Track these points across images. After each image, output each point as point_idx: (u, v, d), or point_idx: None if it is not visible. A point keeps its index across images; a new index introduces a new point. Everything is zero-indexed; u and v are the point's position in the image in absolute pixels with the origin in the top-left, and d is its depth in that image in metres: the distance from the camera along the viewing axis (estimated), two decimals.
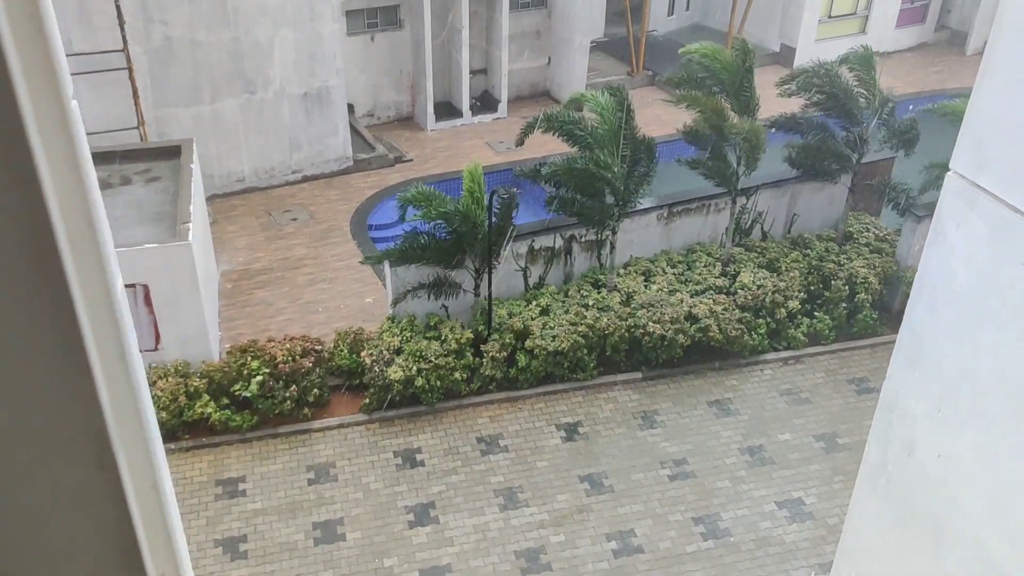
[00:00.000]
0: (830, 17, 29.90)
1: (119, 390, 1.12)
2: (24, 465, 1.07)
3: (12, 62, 0.92)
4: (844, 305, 17.46)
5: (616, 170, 15.66)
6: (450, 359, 15.37)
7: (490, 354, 15.57)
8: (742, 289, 17.10)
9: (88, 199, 1.05)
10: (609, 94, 16.10)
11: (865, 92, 17.39)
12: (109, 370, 1.09)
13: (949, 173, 2.65)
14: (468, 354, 15.62)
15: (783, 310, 17.02)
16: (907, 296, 2.97)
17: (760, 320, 16.95)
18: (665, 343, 16.11)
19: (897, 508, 3.06)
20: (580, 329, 15.93)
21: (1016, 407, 2.45)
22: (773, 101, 18.35)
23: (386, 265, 16.07)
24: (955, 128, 2.72)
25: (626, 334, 16.04)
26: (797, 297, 17.19)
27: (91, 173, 1.06)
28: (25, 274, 0.98)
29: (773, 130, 18.11)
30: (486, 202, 14.93)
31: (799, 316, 17.31)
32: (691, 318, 16.40)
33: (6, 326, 0.99)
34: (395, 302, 16.09)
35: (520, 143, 16.52)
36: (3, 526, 1.10)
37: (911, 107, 18.85)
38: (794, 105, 18.60)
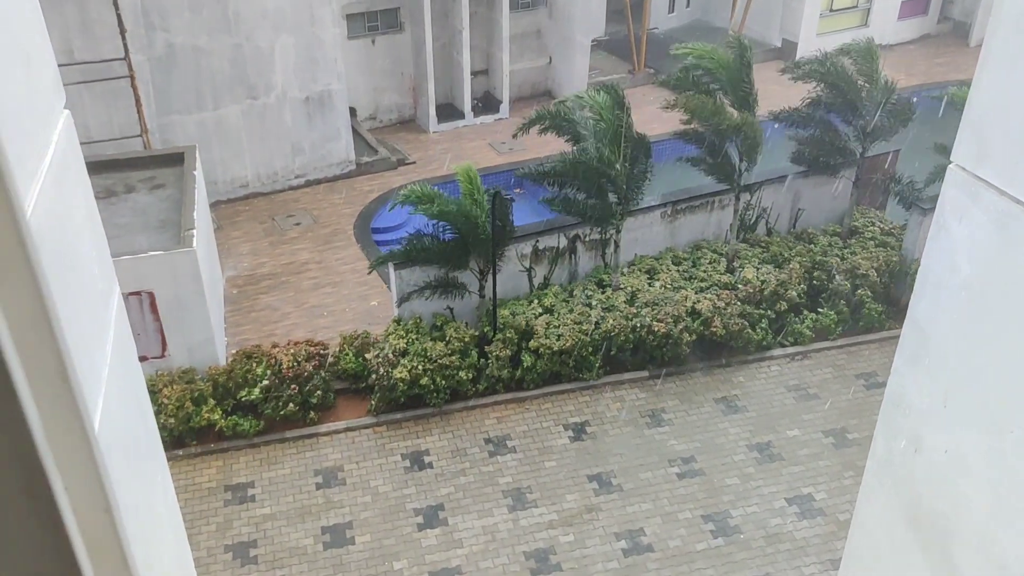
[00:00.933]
0: (831, 11, 29.82)
1: (59, 413, 1.07)
2: None
3: None
4: (850, 299, 17.40)
5: (618, 167, 15.64)
6: (455, 358, 15.37)
7: (494, 354, 15.56)
8: (745, 284, 17.08)
9: (28, 260, 1.00)
10: (605, 93, 16.07)
11: (868, 84, 17.33)
12: (44, 392, 1.04)
13: (950, 166, 2.63)
14: (473, 354, 15.62)
15: (783, 302, 16.99)
16: (912, 289, 2.95)
17: (761, 312, 16.90)
18: (670, 341, 16.08)
19: (904, 504, 3.04)
20: (584, 328, 15.91)
21: (1022, 402, 2.42)
22: (776, 95, 18.31)
23: (391, 268, 16.08)
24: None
25: (631, 334, 16.01)
26: (797, 288, 17.14)
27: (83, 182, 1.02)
28: None
29: (776, 124, 18.06)
30: (487, 202, 14.92)
31: (803, 310, 17.27)
32: (694, 313, 16.37)
33: None
34: (400, 302, 16.09)
35: (515, 136, 16.54)
36: None
37: (915, 99, 18.76)
38: (795, 101, 18.54)
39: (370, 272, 16.84)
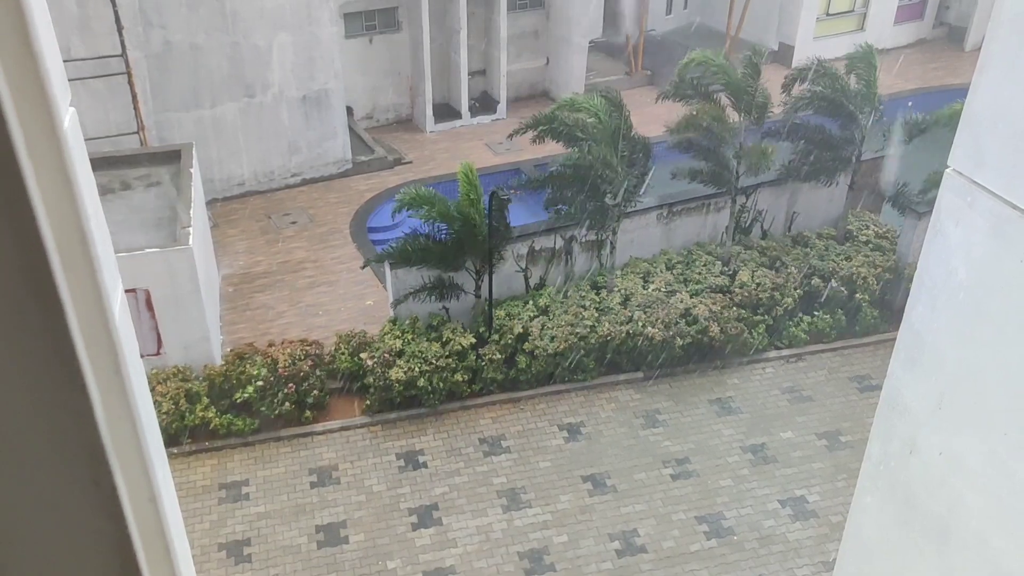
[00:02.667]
0: (828, 15, 29.90)
1: (115, 405, 1.11)
2: (20, 484, 1.06)
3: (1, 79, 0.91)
4: (844, 303, 17.45)
5: (619, 169, 15.66)
6: (451, 360, 15.38)
7: (488, 356, 15.57)
8: (740, 287, 17.11)
9: (81, 213, 1.04)
10: (602, 96, 16.11)
11: (865, 90, 17.39)
12: (104, 386, 1.08)
13: (948, 171, 2.65)
14: (470, 356, 15.63)
15: (780, 308, 17.03)
16: (908, 293, 2.97)
17: (759, 317, 16.95)
18: (664, 345, 16.11)
19: (899, 506, 3.06)
20: (578, 331, 15.91)
21: (1017, 405, 2.45)
22: (773, 99, 18.32)
23: (387, 267, 16.08)
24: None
25: (627, 339, 16.00)
26: (794, 294, 17.19)
27: (88, 185, 1.05)
28: (16, 289, 0.97)
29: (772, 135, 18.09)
30: (484, 203, 14.94)
31: (799, 314, 17.32)
32: (688, 317, 16.39)
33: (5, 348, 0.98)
34: (396, 303, 16.10)
35: (511, 137, 16.61)
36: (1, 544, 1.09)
37: (910, 103, 18.83)
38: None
39: (364, 267, 16.80)
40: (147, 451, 1.20)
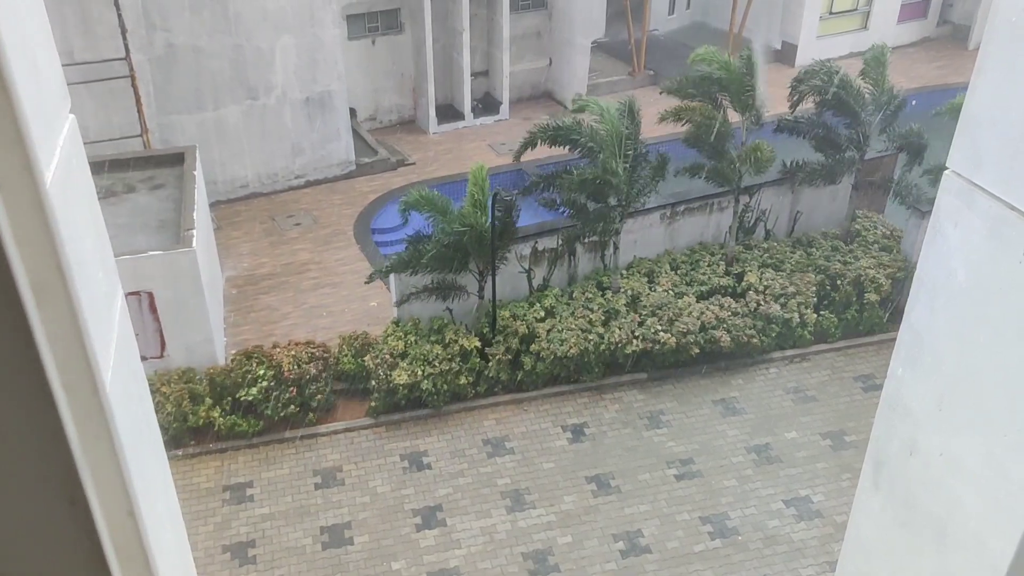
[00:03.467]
0: (831, 13, 29.86)
1: (91, 424, 1.11)
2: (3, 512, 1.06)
3: None
4: (852, 303, 17.40)
5: (621, 174, 15.65)
6: (455, 364, 15.37)
7: (496, 357, 15.56)
8: (751, 291, 17.00)
9: (54, 236, 1.03)
10: (616, 105, 16.13)
11: (872, 89, 17.37)
12: (80, 406, 1.07)
13: (947, 172, 2.65)
14: (474, 360, 15.62)
15: (796, 315, 16.91)
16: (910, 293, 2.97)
17: (773, 326, 16.86)
18: (677, 351, 16.09)
19: (900, 507, 3.06)
20: (591, 337, 15.88)
21: (1016, 406, 2.45)
22: (776, 98, 18.33)
23: (385, 264, 16.07)
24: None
25: (640, 346, 15.95)
26: (811, 304, 17.10)
27: (71, 200, 1.04)
28: None
29: (778, 132, 18.08)
30: (488, 205, 14.95)
31: (812, 318, 17.24)
32: (701, 326, 16.31)
33: None
34: (399, 303, 16.10)
35: (516, 159, 16.56)
36: None
37: (914, 102, 18.79)
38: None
39: (368, 282, 16.67)
40: (126, 466, 1.20)
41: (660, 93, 17.78)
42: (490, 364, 15.62)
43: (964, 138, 2.58)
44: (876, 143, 17.88)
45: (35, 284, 0.99)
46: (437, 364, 15.26)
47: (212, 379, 14.86)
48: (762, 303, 16.79)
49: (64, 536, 1.12)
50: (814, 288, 17.23)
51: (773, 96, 18.20)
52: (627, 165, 15.84)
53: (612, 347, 15.92)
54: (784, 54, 29.09)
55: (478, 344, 15.66)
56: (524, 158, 16.55)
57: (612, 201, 16.25)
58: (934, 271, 2.77)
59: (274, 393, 14.78)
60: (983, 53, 2.52)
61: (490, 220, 14.99)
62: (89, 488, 1.09)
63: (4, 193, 0.97)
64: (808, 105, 18.13)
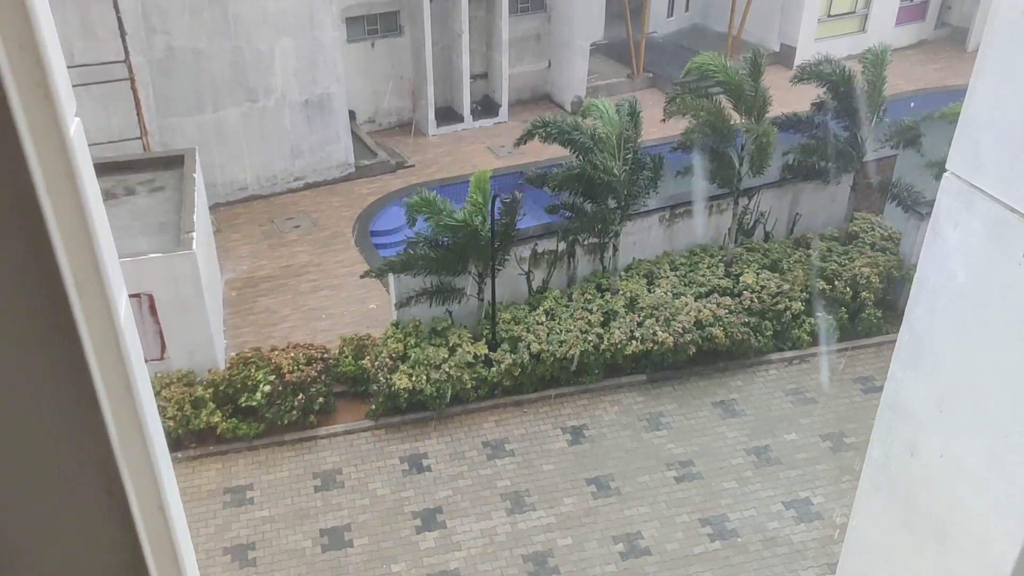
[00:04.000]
0: (829, 16, 29.90)
1: (125, 418, 1.13)
2: (36, 495, 1.08)
3: (10, 90, 0.93)
4: (848, 305, 17.43)
5: (619, 174, 15.68)
6: (463, 372, 15.33)
7: (503, 364, 15.54)
8: (746, 291, 17.06)
9: (91, 228, 1.06)
10: (617, 106, 16.16)
11: (870, 89, 17.40)
12: (116, 399, 1.10)
13: (946, 174, 2.66)
14: (479, 367, 15.61)
15: (788, 312, 16.98)
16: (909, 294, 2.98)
17: (767, 323, 16.92)
18: (675, 350, 16.11)
19: (901, 508, 3.07)
20: (590, 339, 15.90)
21: (1017, 407, 2.46)
22: (776, 100, 18.33)
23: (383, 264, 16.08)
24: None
25: (639, 346, 15.97)
26: (800, 298, 17.17)
27: (94, 197, 1.07)
28: (31, 307, 0.99)
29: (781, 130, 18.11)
30: (489, 208, 14.96)
31: (803, 316, 17.30)
32: (697, 323, 16.36)
33: (14, 362, 1.00)
34: (398, 306, 16.10)
35: (517, 145, 16.61)
36: (17, 552, 1.11)
37: (912, 104, 18.82)
38: (794, 105, 18.59)
39: (363, 277, 16.75)
40: (156, 460, 1.23)
41: (667, 102, 17.80)
42: (492, 370, 15.60)
43: (963, 140, 2.59)
44: (872, 143, 17.89)
45: (79, 283, 1.02)
46: (447, 370, 15.23)
47: (216, 386, 14.85)
48: (755, 301, 16.83)
49: (102, 527, 1.15)
50: (802, 283, 17.26)
51: (773, 97, 18.21)
52: (627, 167, 15.86)
53: (611, 348, 15.94)
54: (783, 56, 29.12)
55: (486, 351, 15.66)
56: (524, 161, 16.58)
57: (611, 203, 16.27)
58: (934, 273, 2.78)
59: (277, 401, 14.77)
60: (982, 55, 2.53)
61: (490, 223, 14.99)
62: (127, 481, 1.12)
63: (53, 198, 0.98)
64: (803, 107, 18.20)
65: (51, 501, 1.10)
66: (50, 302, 1.00)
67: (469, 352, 15.49)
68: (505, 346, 15.77)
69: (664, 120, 17.16)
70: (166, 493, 1.25)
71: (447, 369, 15.22)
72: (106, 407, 1.07)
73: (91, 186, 1.66)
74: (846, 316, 17.40)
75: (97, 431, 1.08)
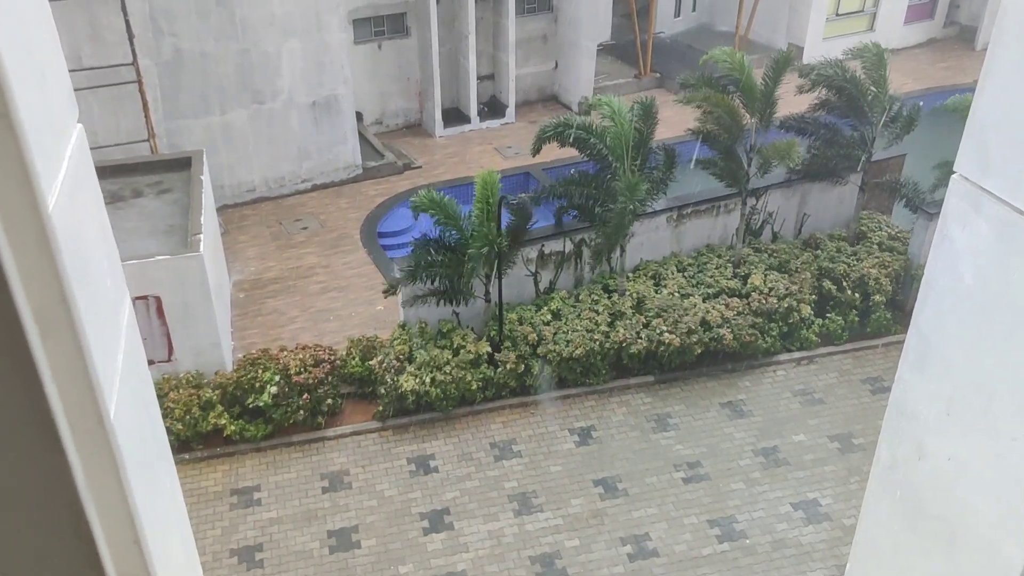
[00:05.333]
0: (837, 15, 29.81)
1: (97, 457, 1.09)
2: (1, 538, 1.04)
3: None
4: (856, 305, 17.37)
5: (631, 178, 15.64)
6: (466, 372, 15.34)
7: (507, 365, 15.54)
8: (754, 292, 17.00)
9: (60, 271, 1.00)
10: (639, 106, 16.13)
11: (875, 89, 17.33)
12: (85, 441, 1.05)
13: (954, 176, 2.64)
14: (484, 368, 15.61)
15: (796, 314, 16.92)
16: (918, 295, 2.96)
17: (774, 324, 16.87)
18: (681, 351, 16.08)
19: (908, 511, 3.05)
20: (596, 338, 15.88)
21: None
22: (783, 100, 18.27)
23: (395, 271, 16.08)
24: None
25: (644, 346, 15.94)
26: (809, 300, 17.09)
27: (43, 198, 1.01)
28: None
29: (782, 131, 18.07)
30: (497, 212, 14.94)
31: (811, 317, 17.24)
32: (704, 324, 16.31)
33: None
34: (404, 304, 16.07)
35: (534, 154, 16.55)
36: None
37: (920, 103, 18.74)
38: (802, 104, 18.54)
39: (386, 295, 16.27)
40: (131, 496, 1.18)
41: (678, 89, 17.75)
42: (498, 371, 15.59)
43: (971, 141, 2.57)
44: (880, 142, 17.83)
45: (39, 315, 0.97)
46: (449, 371, 15.24)
47: (224, 388, 14.88)
48: (764, 302, 16.78)
49: (70, 569, 1.10)
50: (811, 284, 17.19)
51: (779, 96, 18.16)
52: (638, 168, 15.82)
53: (617, 347, 15.91)
54: (790, 56, 29.00)
55: (489, 350, 15.65)
56: (531, 162, 16.58)
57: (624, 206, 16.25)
58: (942, 275, 2.76)
59: (284, 399, 14.79)
60: (991, 55, 2.51)
61: (497, 225, 14.98)
62: (95, 522, 1.07)
63: (5, 221, 0.93)
64: (805, 109, 18.15)
65: (16, 541, 1.04)
66: (10, 344, 0.93)
67: (472, 352, 15.47)
68: (508, 343, 15.77)
69: (681, 101, 17.08)
70: (141, 528, 1.20)
71: (449, 371, 15.22)
72: (70, 447, 1.00)
73: (92, 195, 1.64)
74: (855, 317, 17.33)
75: (63, 476, 1.01)
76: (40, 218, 0.98)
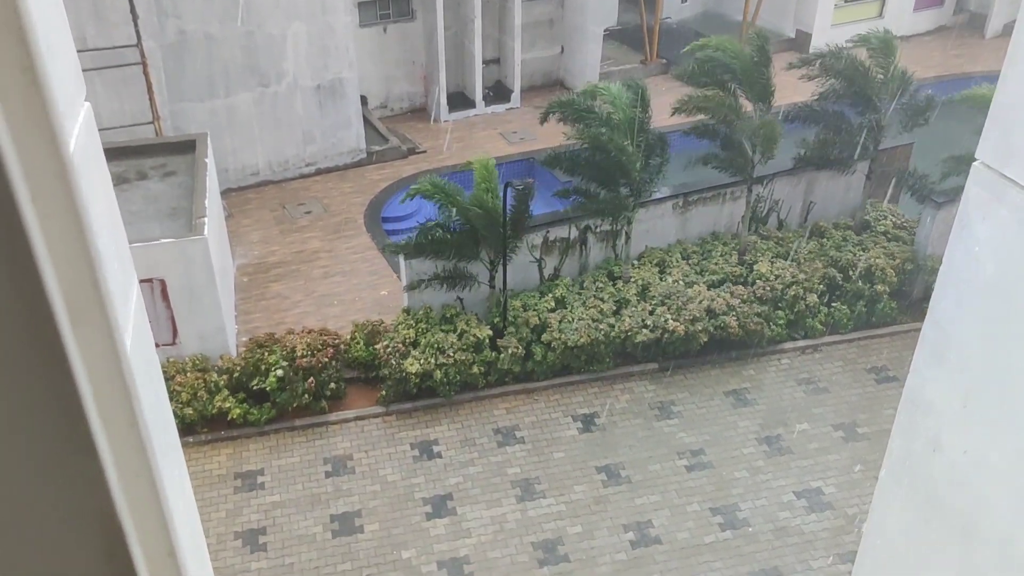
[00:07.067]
0: (846, 1, 29.56)
1: (130, 461, 1.01)
2: (29, 555, 0.97)
3: None
4: (863, 294, 17.29)
5: (633, 157, 15.59)
6: (468, 355, 15.33)
7: (509, 350, 15.52)
8: (760, 279, 16.94)
9: (92, 254, 0.94)
10: (626, 87, 16.05)
11: (883, 76, 17.18)
12: (118, 442, 0.97)
13: (975, 163, 2.59)
14: (487, 351, 15.60)
15: (803, 302, 16.86)
16: (926, 284, 2.92)
17: (780, 312, 16.82)
18: (687, 339, 16.04)
19: (922, 504, 3.02)
20: (601, 327, 15.84)
21: None
22: (789, 86, 18.18)
23: (401, 258, 16.06)
24: (980, 115, 2.66)
25: (650, 333, 15.91)
26: (817, 290, 17.03)
27: (105, 201, 0.96)
28: (19, 346, 0.87)
29: (788, 121, 17.94)
30: (500, 194, 14.89)
31: (816, 305, 17.18)
32: (709, 312, 16.27)
33: (5, 408, 0.88)
34: (409, 287, 16.05)
35: (543, 122, 16.55)
36: None
37: (930, 91, 18.59)
38: (808, 91, 18.40)
39: (384, 251, 16.46)
40: (167, 506, 1.10)
41: (672, 76, 17.67)
42: (502, 356, 15.58)
43: (994, 129, 2.51)
44: (889, 130, 17.70)
45: (71, 310, 0.90)
46: (452, 354, 15.23)
47: (230, 372, 14.87)
48: (769, 290, 16.72)
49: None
50: (820, 274, 17.12)
51: (787, 84, 18.05)
52: (639, 148, 15.76)
53: (622, 336, 15.88)
54: (798, 42, 28.83)
55: (490, 333, 15.63)
56: (536, 147, 16.51)
57: (624, 190, 16.18)
58: (961, 265, 2.71)
59: (289, 383, 14.79)
60: (1015, 41, 2.45)
61: (503, 210, 14.93)
62: (131, 535, 0.99)
63: (38, 205, 0.86)
64: (810, 97, 18.01)
65: (45, 562, 0.96)
66: (42, 340, 0.85)
67: (473, 336, 15.45)
68: (511, 328, 15.74)
69: (683, 81, 16.97)
70: (177, 539, 1.13)
71: (452, 353, 15.20)
72: (106, 454, 0.93)
73: (102, 185, 1.59)
74: (862, 306, 17.25)
75: (95, 483, 0.94)
76: (68, 182, 0.92)
